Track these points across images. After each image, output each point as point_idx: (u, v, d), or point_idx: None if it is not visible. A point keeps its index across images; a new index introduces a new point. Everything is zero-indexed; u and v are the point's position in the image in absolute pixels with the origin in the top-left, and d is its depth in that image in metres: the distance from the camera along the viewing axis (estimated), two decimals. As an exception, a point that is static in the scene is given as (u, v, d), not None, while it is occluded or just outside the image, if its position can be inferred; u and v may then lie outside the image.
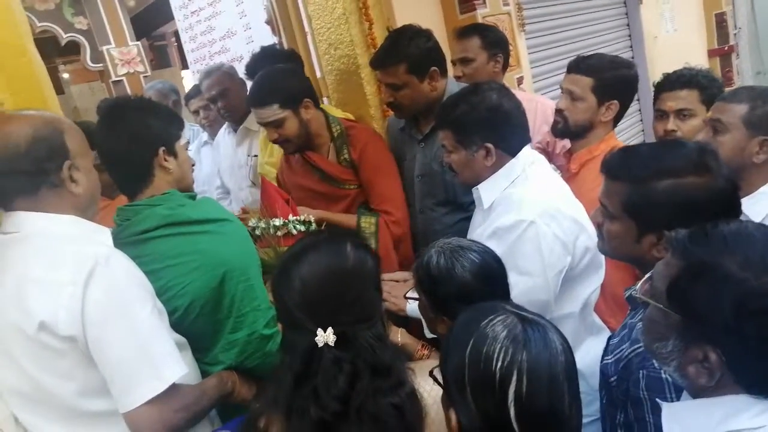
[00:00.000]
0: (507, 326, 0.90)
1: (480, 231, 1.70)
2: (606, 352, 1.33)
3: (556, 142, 2.33)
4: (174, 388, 1.25)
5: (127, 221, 1.49)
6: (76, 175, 1.29)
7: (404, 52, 2.08)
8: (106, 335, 1.19)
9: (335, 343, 1.04)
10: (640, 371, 1.15)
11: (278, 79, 2.16)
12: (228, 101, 2.95)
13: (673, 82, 2.03)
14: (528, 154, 1.70)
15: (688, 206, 1.15)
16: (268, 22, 3.44)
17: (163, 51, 10.19)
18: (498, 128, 1.65)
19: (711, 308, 0.84)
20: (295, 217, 1.85)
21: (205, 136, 3.50)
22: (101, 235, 1.34)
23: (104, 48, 6.55)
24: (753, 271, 0.82)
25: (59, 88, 9.18)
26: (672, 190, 1.16)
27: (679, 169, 1.17)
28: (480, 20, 2.87)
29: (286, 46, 3.08)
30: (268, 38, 3.62)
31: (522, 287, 1.56)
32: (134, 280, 1.28)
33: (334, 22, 2.58)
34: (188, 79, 6.79)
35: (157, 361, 1.24)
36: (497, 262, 1.36)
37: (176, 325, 1.45)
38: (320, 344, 1.04)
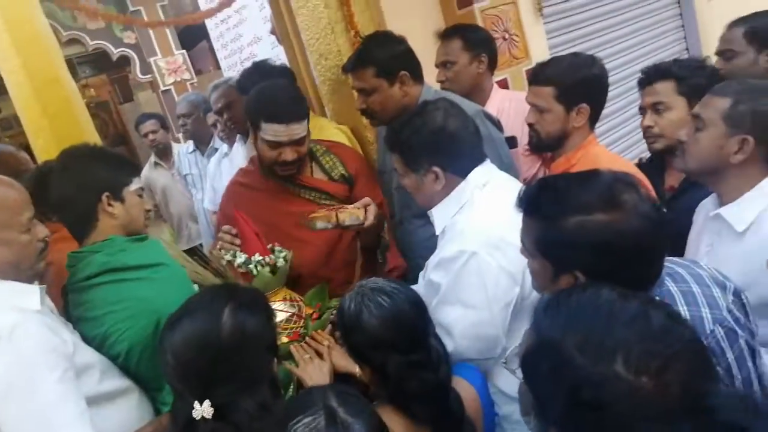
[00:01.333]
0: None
1: (431, 258, 1.62)
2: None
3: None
4: None
5: (73, 267, 1.54)
6: None
7: (372, 55, 2.03)
8: (5, 411, 1.19)
9: (214, 414, 1.02)
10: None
11: (300, 94, 2.07)
12: (232, 113, 2.98)
13: (649, 75, 1.89)
14: (479, 175, 1.58)
15: (598, 247, 1.04)
16: (272, 32, 3.43)
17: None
18: (444, 151, 1.56)
19: (550, 392, 0.76)
20: (260, 258, 1.74)
21: (225, 148, 3.56)
22: (24, 298, 1.33)
23: (152, 59, 6.84)
24: (591, 357, 0.72)
25: (129, 95, 9.70)
26: (579, 228, 1.05)
27: (587, 205, 1.06)
28: (477, 15, 2.72)
29: (286, 57, 3.07)
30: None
31: (468, 321, 1.48)
32: (42, 347, 1.24)
33: (321, 32, 2.55)
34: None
35: None
36: (413, 305, 1.27)
37: (123, 369, 1.50)
38: (197, 417, 1.02)
